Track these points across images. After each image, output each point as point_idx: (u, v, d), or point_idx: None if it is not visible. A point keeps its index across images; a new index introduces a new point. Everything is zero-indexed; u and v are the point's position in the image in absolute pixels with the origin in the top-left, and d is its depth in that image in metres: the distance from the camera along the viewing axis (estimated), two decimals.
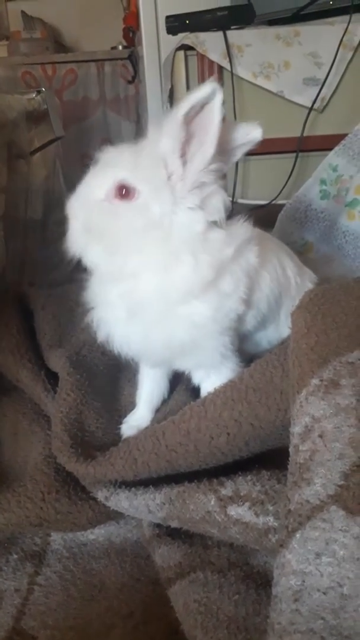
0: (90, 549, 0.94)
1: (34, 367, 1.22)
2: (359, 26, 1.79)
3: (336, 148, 1.72)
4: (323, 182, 1.75)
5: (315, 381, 0.70)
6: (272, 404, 0.80)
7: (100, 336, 0.97)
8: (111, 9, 3.76)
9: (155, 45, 2.52)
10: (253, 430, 0.80)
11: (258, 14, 1.91)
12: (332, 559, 0.56)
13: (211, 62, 1.86)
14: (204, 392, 1.00)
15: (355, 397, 0.67)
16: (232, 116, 1.87)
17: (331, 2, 1.82)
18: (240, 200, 1.97)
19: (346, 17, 1.76)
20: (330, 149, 1.73)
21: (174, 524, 0.84)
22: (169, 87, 2.07)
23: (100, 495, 0.89)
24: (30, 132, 1.79)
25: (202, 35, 1.84)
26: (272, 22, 2.00)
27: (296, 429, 0.69)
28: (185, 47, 1.88)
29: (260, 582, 0.77)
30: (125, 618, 0.80)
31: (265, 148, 1.92)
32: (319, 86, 1.82)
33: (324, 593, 0.54)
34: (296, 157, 1.88)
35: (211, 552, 0.83)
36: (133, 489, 0.87)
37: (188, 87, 1.93)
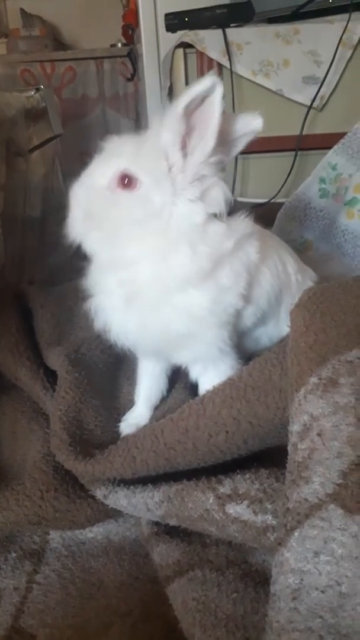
0: (88, 548, 0.94)
1: (32, 365, 1.22)
2: (358, 24, 1.79)
3: (335, 147, 1.72)
4: (322, 180, 1.75)
5: (313, 380, 0.70)
6: (271, 402, 0.80)
7: (98, 324, 0.97)
8: (110, 6, 3.76)
9: (155, 42, 2.51)
10: (252, 428, 0.80)
11: (257, 11, 1.91)
12: (331, 557, 0.56)
13: (210, 60, 1.86)
14: (201, 388, 1.01)
15: (354, 395, 0.67)
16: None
17: (331, 1, 1.82)
18: (239, 199, 1.97)
19: (346, 16, 1.76)
20: (330, 148, 1.73)
21: (173, 522, 0.84)
22: (168, 84, 2.07)
23: (99, 493, 0.89)
24: (29, 130, 1.79)
25: (202, 33, 1.84)
26: (272, 20, 2.00)
27: (295, 428, 0.69)
28: (185, 45, 1.88)
29: (258, 580, 0.77)
30: (124, 616, 0.81)
31: (264, 146, 1.94)
32: (318, 84, 1.82)
33: (323, 591, 0.54)
34: (295, 156, 1.88)
35: (209, 550, 0.83)
36: (131, 487, 0.87)
37: (187, 85, 1.91)
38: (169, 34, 1.96)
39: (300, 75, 1.86)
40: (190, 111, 0.82)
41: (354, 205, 1.66)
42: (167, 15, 1.90)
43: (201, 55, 1.86)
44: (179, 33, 1.91)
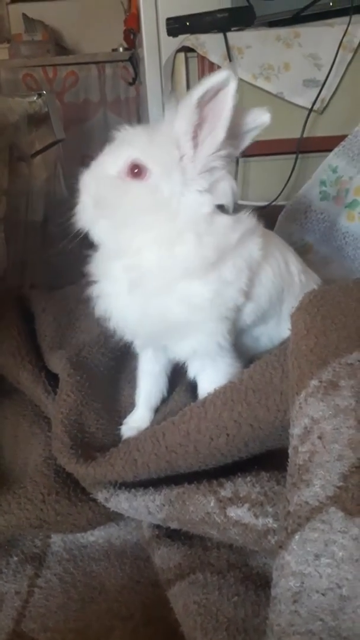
0: (90, 551, 0.94)
1: (34, 369, 1.22)
2: (358, 28, 1.79)
3: (336, 149, 1.72)
4: (323, 183, 1.75)
5: (314, 382, 0.70)
6: (272, 405, 0.80)
7: (98, 311, 0.98)
8: (112, 11, 3.77)
9: (156, 47, 2.52)
10: (252, 431, 0.80)
11: (258, 15, 1.91)
12: (331, 560, 0.56)
13: (211, 64, 1.86)
14: (200, 386, 1.01)
15: (354, 398, 0.67)
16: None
17: (331, 4, 1.82)
18: (240, 202, 1.97)
19: (346, 19, 1.76)
20: (330, 150, 1.73)
21: (174, 525, 0.84)
22: (170, 88, 2.07)
23: (100, 496, 0.89)
24: (32, 135, 1.80)
25: (203, 37, 1.84)
26: (272, 23, 2.00)
27: (295, 431, 0.69)
28: (186, 49, 1.88)
29: (259, 583, 0.76)
30: (125, 620, 0.80)
31: (265, 149, 1.93)
32: (319, 87, 1.82)
33: (323, 594, 0.54)
34: (296, 159, 1.88)
35: (211, 554, 0.83)
36: (133, 490, 0.87)
37: (189, 89, 1.92)
38: (171, 38, 1.96)
39: (300, 79, 1.86)
40: (204, 102, 0.84)
41: (354, 208, 1.66)
42: (168, 19, 1.90)
43: (202, 59, 1.86)
44: (180, 37, 1.91)
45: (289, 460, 0.69)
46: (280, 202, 1.88)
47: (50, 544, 0.96)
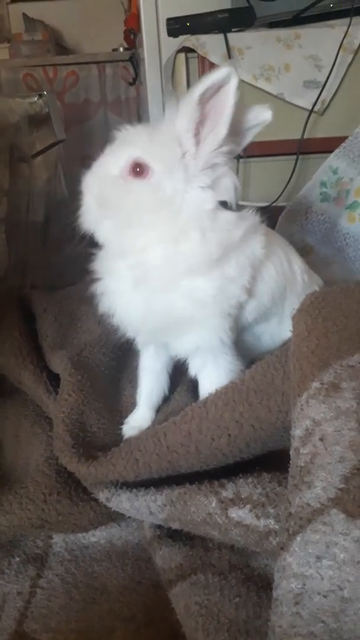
0: (91, 552, 0.94)
1: (35, 369, 1.22)
2: (359, 29, 1.79)
3: (336, 150, 1.72)
4: (323, 184, 1.75)
5: (316, 384, 0.70)
6: (273, 405, 0.80)
7: (102, 308, 0.99)
8: (112, 11, 3.76)
9: (156, 47, 2.52)
10: (254, 431, 0.80)
11: (259, 16, 1.91)
12: (333, 562, 0.56)
13: (212, 65, 1.86)
14: (201, 384, 1.01)
15: (356, 400, 0.67)
16: None
17: (332, 5, 1.82)
18: (241, 202, 1.97)
19: (346, 20, 1.76)
20: (331, 152, 1.74)
21: (175, 526, 0.85)
22: (170, 89, 2.07)
23: (102, 496, 0.90)
24: (32, 136, 1.80)
25: (203, 38, 1.84)
26: (273, 24, 2.00)
27: (297, 432, 0.69)
28: (186, 50, 1.88)
29: (261, 584, 0.77)
30: (127, 621, 0.81)
31: (266, 150, 1.93)
32: (320, 89, 1.82)
33: (325, 596, 0.55)
34: (297, 160, 1.88)
35: (212, 554, 0.83)
36: (134, 490, 0.88)
37: (189, 90, 1.92)
38: (171, 38, 1.96)
39: (301, 80, 1.86)
40: (205, 99, 0.84)
41: (355, 209, 1.66)
42: (168, 20, 1.90)
43: (203, 59, 1.86)
44: (181, 38, 1.91)
45: (290, 461, 0.69)
46: (280, 203, 1.88)
47: (52, 545, 0.96)
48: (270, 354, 0.90)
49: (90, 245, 0.97)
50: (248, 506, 0.77)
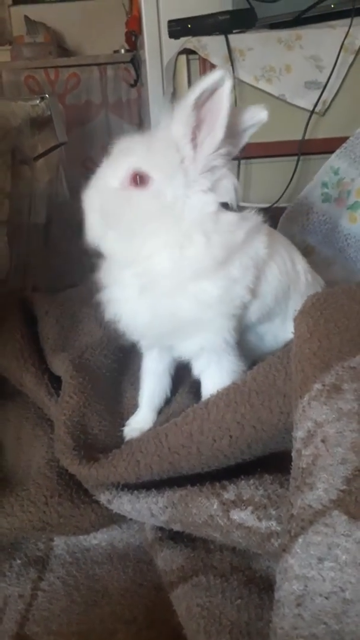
0: (93, 554, 0.94)
1: (37, 371, 1.22)
2: None
3: (337, 151, 1.72)
4: (325, 185, 1.75)
5: (317, 386, 0.70)
6: (275, 406, 0.80)
7: (108, 315, 0.99)
8: (113, 13, 3.78)
9: (158, 49, 2.52)
10: (255, 433, 0.80)
11: (259, 17, 1.91)
12: (335, 563, 0.56)
13: (213, 66, 1.86)
14: (204, 384, 1.01)
15: (358, 402, 0.67)
16: None
17: (332, 6, 1.82)
18: (242, 204, 1.97)
19: (347, 21, 1.76)
20: (332, 152, 1.73)
21: (177, 528, 0.84)
22: (172, 90, 2.07)
23: (103, 498, 0.89)
24: (34, 138, 1.80)
25: (204, 39, 1.84)
26: (274, 25, 2.00)
27: (299, 434, 0.69)
28: (188, 51, 1.88)
29: (262, 586, 0.76)
30: (128, 623, 0.80)
31: (267, 151, 1.93)
32: (321, 89, 1.82)
33: (327, 598, 0.54)
34: (298, 160, 1.88)
35: (214, 556, 0.83)
36: (135, 492, 0.87)
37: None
38: (172, 40, 1.96)
39: (302, 81, 1.86)
40: (200, 104, 0.85)
41: (356, 210, 1.66)
42: (170, 22, 1.90)
43: (204, 61, 1.86)
44: (182, 39, 1.91)
45: (292, 463, 0.69)
46: (282, 204, 1.88)
47: (53, 547, 0.96)
48: (272, 355, 0.90)
49: (91, 252, 0.97)
50: (250, 508, 0.77)
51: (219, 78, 0.83)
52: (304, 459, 0.66)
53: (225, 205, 0.93)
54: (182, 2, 2.34)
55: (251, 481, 0.81)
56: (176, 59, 1.91)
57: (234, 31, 1.88)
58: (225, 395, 0.86)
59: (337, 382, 0.69)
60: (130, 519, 0.92)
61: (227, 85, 0.83)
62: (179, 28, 1.89)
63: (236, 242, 0.92)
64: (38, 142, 1.83)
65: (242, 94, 1.89)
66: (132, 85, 3.48)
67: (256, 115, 0.95)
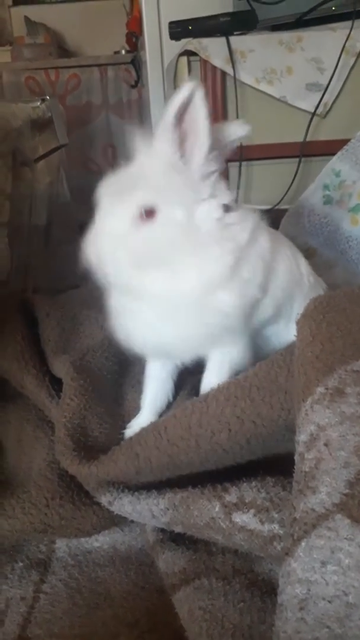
0: (95, 557, 0.94)
1: (38, 373, 1.22)
2: None
3: (339, 153, 1.72)
4: (326, 187, 1.75)
5: (320, 389, 0.70)
6: (276, 402, 0.80)
7: (125, 343, 1.00)
8: (114, 14, 3.78)
9: (158, 50, 2.53)
10: (255, 428, 0.80)
11: (261, 19, 1.91)
12: (338, 567, 0.56)
13: (214, 68, 1.86)
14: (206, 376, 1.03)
15: None
16: None
17: (334, 8, 1.83)
18: (243, 205, 1.97)
19: (349, 23, 1.76)
20: (333, 154, 1.73)
21: (178, 529, 0.84)
22: (172, 92, 2.07)
23: (104, 500, 0.89)
24: (35, 140, 1.80)
25: (205, 41, 1.85)
26: (275, 27, 2.01)
27: (301, 437, 0.69)
28: (189, 53, 1.89)
29: (265, 589, 0.76)
30: (131, 626, 0.80)
31: (268, 153, 1.93)
32: (322, 91, 1.83)
33: (330, 602, 0.54)
34: (299, 162, 1.89)
35: (216, 559, 0.82)
36: (136, 493, 0.87)
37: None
38: (173, 41, 1.97)
39: (303, 82, 1.87)
40: (179, 121, 0.86)
41: (358, 212, 1.66)
42: (171, 23, 1.91)
43: (205, 63, 1.86)
44: (183, 41, 1.92)
45: (295, 467, 0.69)
46: (283, 206, 1.88)
47: (55, 550, 0.96)
48: (275, 352, 0.90)
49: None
50: (252, 511, 0.77)
51: (189, 92, 0.85)
52: (306, 462, 0.66)
53: (226, 207, 0.94)
54: (183, 4, 2.35)
55: (253, 484, 0.81)
56: (177, 61, 1.92)
57: (235, 33, 1.88)
58: (225, 390, 0.86)
59: (340, 385, 0.69)
60: (132, 521, 0.92)
61: (198, 96, 0.85)
62: (179, 29, 1.89)
63: (242, 244, 0.93)
64: (39, 144, 1.83)
65: (243, 96, 1.90)
66: (133, 86, 3.48)
67: (238, 130, 0.96)
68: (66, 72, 3.49)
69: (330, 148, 1.78)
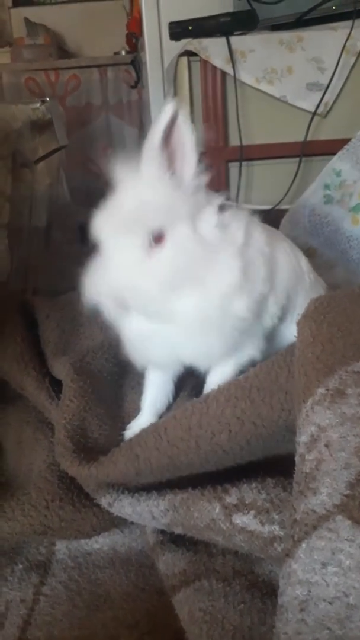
0: (95, 559, 0.94)
1: (38, 375, 1.22)
2: None
3: (340, 153, 1.72)
4: (327, 186, 1.75)
5: (321, 390, 0.70)
6: (276, 403, 0.80)
7: (142, 363, 1.04)
8: (114, 14, 3.79)
9: (158, 51, 2.53)
10: (255, 428, 0.80)
11: (261, 19, 1.91)
12: (338, 568, 0.55)
13: (214, 68, 1.86)
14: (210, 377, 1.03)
15: None
16: (236, 121, 1.87)
17: (334, 8, 1.83)
18: (244, 205, 1.97)
19: (349, 23, 1.76)
20: (334, 154, 1.73)
21: (178, 531, 0.84)
22: (173, 92, 2.07)
23: (104, 501, 0.89)
24: (35, 141, 1.81)
25: (205, 41, 1.85)
26: (275, 27, 2.01)
27: (302, 438, 0.69)
28: (189, 53, 1.89)
29: (265, 591, 0.76)
30: (131, 628, 0.80)
31: (268, 153, 1.93)
32: (322, 91, 1.83)
33: (330, 603, 0.54)
34: (300, 162, 1.88)
35: (216, 560, 0.82)
36: (136, 494, 0.87)
37: (191, 93, 1.94)
38: (173, 42, 1.97)
39: (304, 82, 1.87)
40: (166, 141, 0.88)
41: (358, 212, 1.66)
42: (171, 23, 1.91)
43: (205, 63, 1.87)
44: (183, 41, 1.92)
45: (295, 468, 0.69)
46: (284, 206, 1.88)
47: (55, 552, 0.96)
48: (275, 353, 0.90)
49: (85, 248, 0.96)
50: (252, 512, 0.77)
51: (171, 114, 0.86)
52: (307, 463, 0.66)
53: (220, 207, 0.95)
54: (183, 4, 2.35)
55: (253, 485, 0.81)
56: (177, 61, 1.92)
57: (235, 33, 1.88)
58: (225, 390, 0.86)
59: (341, 386, 0.69)
60: (132, 523, 0.92)
61: (181, 117, 0.87)
62: (179, 30, 1.89)
63: (240, 243, 0.93)
64: (39, 145, 1.83)
65: (243, 96, 1.90)
66: (133, 87, 3.49)
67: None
68: (66, 73, 3.50)
69: (330, 148, 1.78)
